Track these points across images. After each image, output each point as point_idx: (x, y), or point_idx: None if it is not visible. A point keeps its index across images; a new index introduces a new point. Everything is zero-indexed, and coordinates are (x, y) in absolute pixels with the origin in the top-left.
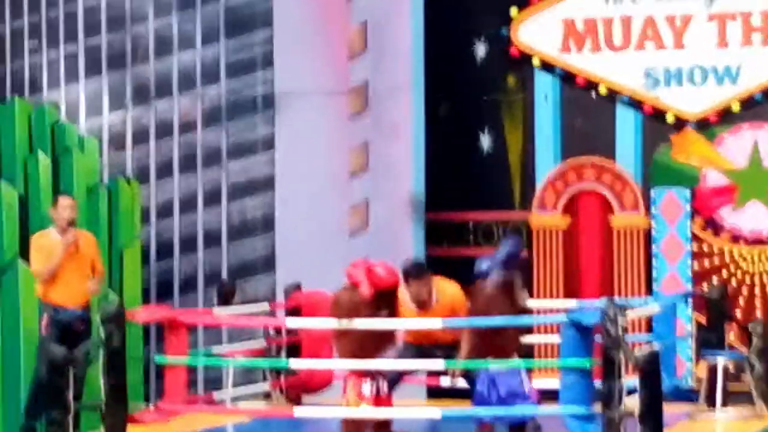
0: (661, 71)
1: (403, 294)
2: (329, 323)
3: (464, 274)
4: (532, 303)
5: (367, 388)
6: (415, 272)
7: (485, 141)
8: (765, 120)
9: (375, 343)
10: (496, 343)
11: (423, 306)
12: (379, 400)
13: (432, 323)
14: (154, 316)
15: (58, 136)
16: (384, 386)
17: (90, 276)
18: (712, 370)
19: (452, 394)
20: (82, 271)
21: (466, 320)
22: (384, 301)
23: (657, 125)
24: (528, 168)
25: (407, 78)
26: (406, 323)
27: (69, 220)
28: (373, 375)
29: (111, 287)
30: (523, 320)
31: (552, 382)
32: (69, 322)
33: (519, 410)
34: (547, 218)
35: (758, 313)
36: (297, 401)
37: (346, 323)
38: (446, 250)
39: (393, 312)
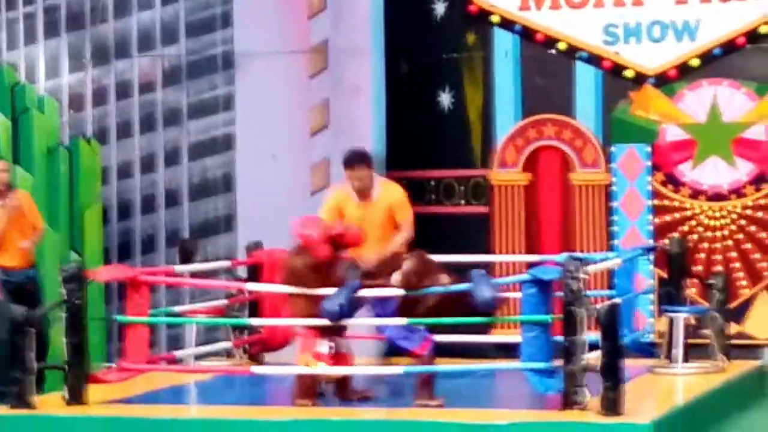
0: (621, 27)
1: (347, 188)
2: (289, 289)
3: (425, 231)
4: (494, 258)
5: (324, 347)
6: (356, 159)
7: (445, 99)
8: (724, 75)
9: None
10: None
11: (364, 197)
12: (336, 358)
13: (391, 292)
14: (115, 276)
15: (18, 96)
16: (342, 345)
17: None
18: (673, 325)
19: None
20: (27, 232)
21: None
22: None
23: (616, 81)
24: (488, 125)
25: (367, 37)
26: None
27: (5, 183)
28: (329, 334)
29: (72, 247)
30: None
31: (513, 338)
32: (20, 283)
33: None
34: (507, 175)
35: (719, 268)
36: (259, 359)
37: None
38: None
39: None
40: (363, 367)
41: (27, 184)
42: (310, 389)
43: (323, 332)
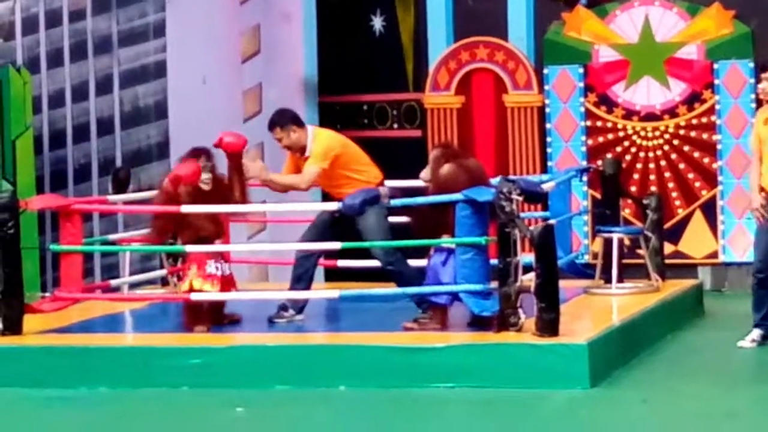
0: None
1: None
2: (226, 209)
3: None
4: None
5: (212, 267)
6: (270, 124)
7: (377, 23)
8: None
9: (217, 226)
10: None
11: (299, 153)
12: (223, 280)
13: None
14: (48, 205)
15: None
16: (226, 267)
17: None
18: (608, 245)
19: (350, 276)
20: None
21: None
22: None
23: (548, 3)
24: (420, 49)
25: None
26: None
27: None
28: (217, 257)
29: (3, 177)
30: (418, 200)
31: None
32: None
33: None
34: (440, 98)
35: (652, 188)
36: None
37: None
38: (340, 133)
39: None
40: (251, 292)
41: None
42: (202, 314)
43: (210, 255)
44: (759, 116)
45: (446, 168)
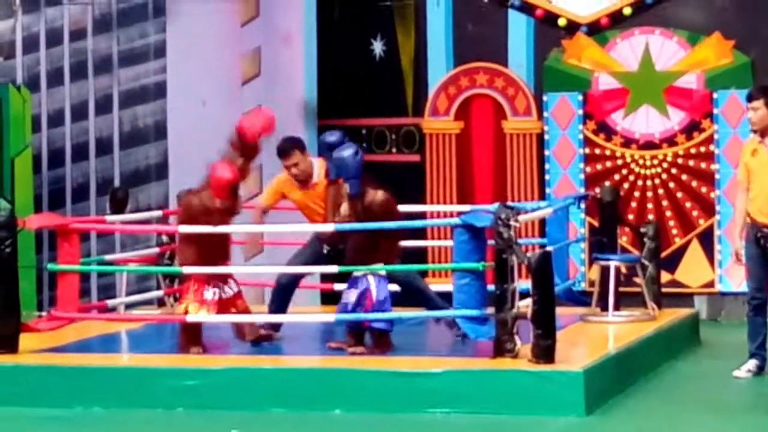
0: None
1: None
2: (225, 229)
3: None
4: (425, 208)
5: (210, 293)
6: (280, 151)
7: (377, 47)
8: (656, 24)
9: (221, 248)
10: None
11: (303, 183)
12: (222, 304)
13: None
14: (46, 224)
15: None
16: (227, 290)
17: None
18: (605, 273)
19: None
20: None
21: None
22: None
23: (549, 30)
24: (420, 73)
25: None
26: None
27: None
28: (216, 281)
29: (2, 195)
30: (415, 223)
31: (446, 286)
32: None
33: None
34: (439, 123)
35: (650, 216)
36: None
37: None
38: None
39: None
40: (256, 315)
41: None
42: (198, 336)
43: (210, 278)
44: (747, 147)
45: (380, 195)
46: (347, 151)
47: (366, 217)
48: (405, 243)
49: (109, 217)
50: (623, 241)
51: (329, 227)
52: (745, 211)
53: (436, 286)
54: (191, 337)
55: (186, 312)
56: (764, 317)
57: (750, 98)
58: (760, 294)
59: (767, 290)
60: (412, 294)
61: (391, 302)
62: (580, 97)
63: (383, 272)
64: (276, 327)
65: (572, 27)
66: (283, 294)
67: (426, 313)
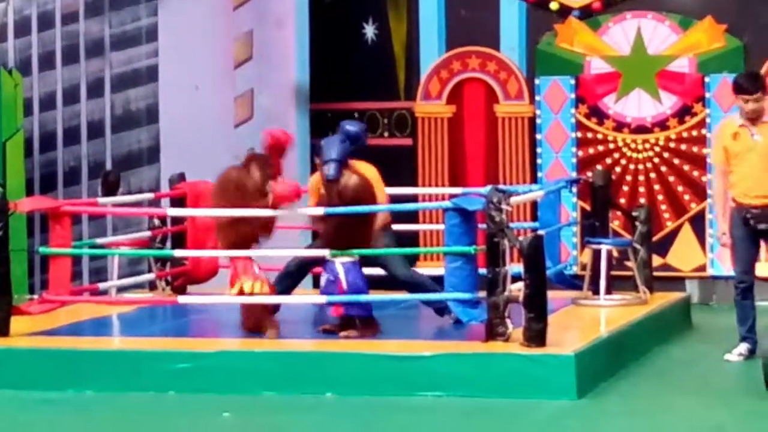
0: None
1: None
2: (212, 213)
3: None
4: (417, 190)
5: (257, 268)
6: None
7: (369, 31)
8: (648, 8)
9: (258, 231)
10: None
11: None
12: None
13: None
14: (38, 207)
15: None
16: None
17: None
18: (597, 257)
19: None
20: None
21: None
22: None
23: (541, 14)
24: (413, 57)
25: None
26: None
27: None
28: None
29: None
30: (407, 206)
31: (437, 270)
32: None
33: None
34: (431, 107)
35: (642, 200)
36: (183, 292)
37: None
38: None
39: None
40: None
41: None
42: (268, 316)
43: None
44: (723, 131)
45: (354, 180)
46: (331, 137)
47: (339, 201)
48: (397, 227)
49: (101, 200)
50: (615, 224)
51: (311, 211)
52: (726, 194)
53: (427, 269)
54: (263, 316)
55: (241, 292)
56: (752, 300)
57: (747, 91)
58: (747, 277)
59: (754, 272)
60: (416, 291)
61: (369, 286)
62: (572, 81)
63: (356, 257)
64: (275, 308)
65: (564, 11)
66: (288, 280)
67: (412, 296)
